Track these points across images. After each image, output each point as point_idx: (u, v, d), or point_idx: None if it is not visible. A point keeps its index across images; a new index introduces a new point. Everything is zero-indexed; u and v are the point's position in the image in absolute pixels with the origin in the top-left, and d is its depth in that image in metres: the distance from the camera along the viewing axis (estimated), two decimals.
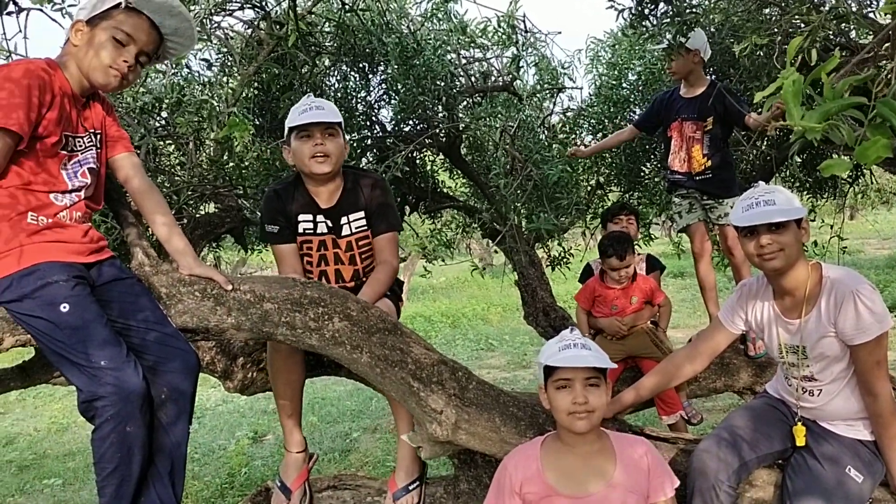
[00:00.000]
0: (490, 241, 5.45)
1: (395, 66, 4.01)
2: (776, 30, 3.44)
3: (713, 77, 4.31)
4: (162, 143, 3.86)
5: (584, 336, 3.66)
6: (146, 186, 2.12)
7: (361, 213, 2.67)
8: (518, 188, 3.95)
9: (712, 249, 4.02)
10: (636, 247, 3.87)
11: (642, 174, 5.60)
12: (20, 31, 2.44)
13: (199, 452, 6.28)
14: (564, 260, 5.21)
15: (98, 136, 2.05)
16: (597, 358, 2.04)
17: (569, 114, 5.37)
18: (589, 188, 5.70)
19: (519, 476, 2.05)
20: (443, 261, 5.54)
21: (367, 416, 7.10)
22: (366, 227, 2.69)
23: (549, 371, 2.08)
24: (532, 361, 9.19)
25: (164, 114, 3.61)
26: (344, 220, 2.66)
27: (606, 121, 5.25)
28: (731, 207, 3.71)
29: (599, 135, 5.29)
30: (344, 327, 2.13)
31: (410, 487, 2.57)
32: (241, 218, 3.84)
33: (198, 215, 3.75)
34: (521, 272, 4.54)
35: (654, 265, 3.97)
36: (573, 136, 5.28)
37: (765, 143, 4.78)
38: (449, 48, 4.43)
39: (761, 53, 3.98)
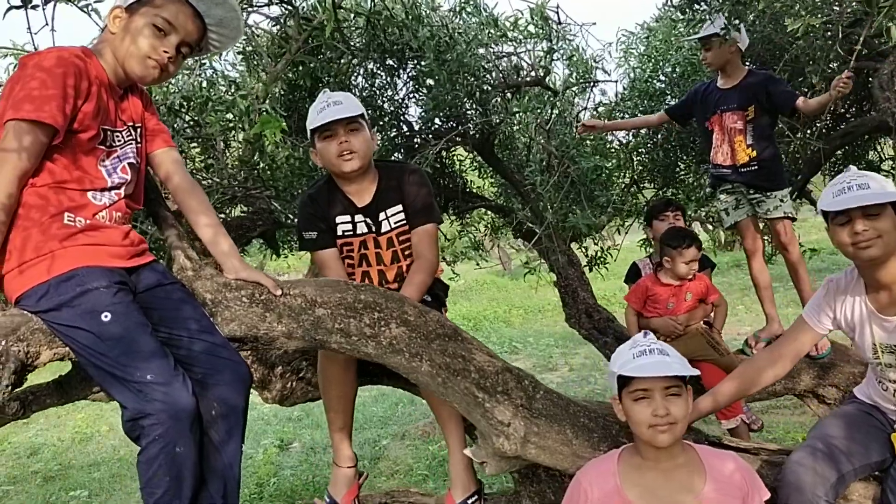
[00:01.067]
0: (525, 242, 5.29)
1: (430, 59, 3.86)
2: (821, 14, 3.29)
3: (754, 67, 4.14)
4: (190, 143, 3.74)
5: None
6: (189, 184, 1.96)
7: (399, 207, 2.53)
8: (554, 186, 3.78)
9: (764, 246, 3.83)
10: None
11: (678, 170, 5.43)
12: (46, 23, 2.29)
13: None
14: (602, 259, 5.03)
15: (138, 130, 1.89)
16: (678, 365, 1.87)
17: (600, 108, 5.21)
18: (623, 185, 5.53)
19: (595, 493, 1.88)
20: (477, 264, 5.38)
21: (393, 423, 6.96)
22: (405, 222, 2.54)
23: (623, 380, 1.91)
24: (558, 364, 9.00)
25: (191, 114, 3.49)
26: (382, 216, 2.52)
27: (640, 114, 5.09)
28: (781, 200, 3.53)
29: (633, 132, 5.14)
30: (402, 333, 1.96)
31: (469, 501, 2.41)
32: (272, 220, 3.70)
33: (228, 218, 3.61)
34: (560, 272, 4.36)
35: (703, 263, 3.79)
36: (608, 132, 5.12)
37: (813, 134, 4.59)
38: (479, 41, 4.28)
39: (812, 36, 3.80)
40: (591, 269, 4.99)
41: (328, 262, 2.52)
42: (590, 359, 8.62)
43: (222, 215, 3.77)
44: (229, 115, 3.20)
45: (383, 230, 2.53)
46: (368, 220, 2.52)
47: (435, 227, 2.57)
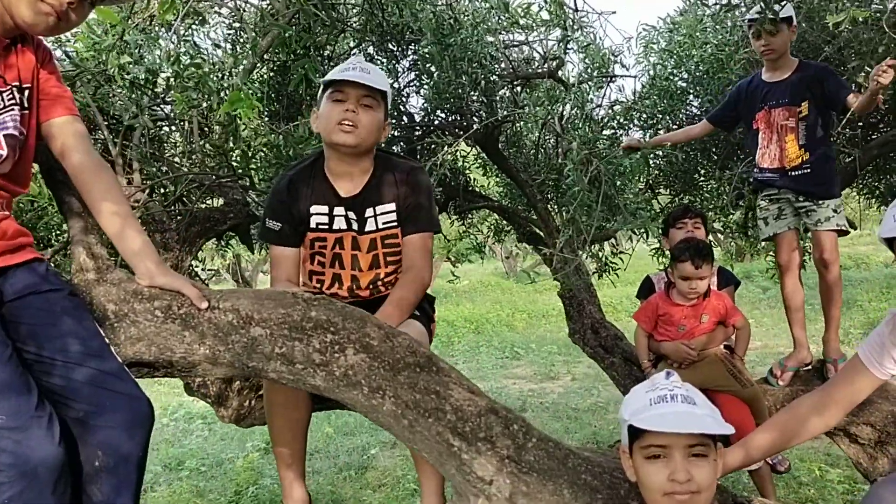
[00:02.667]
0: (533, 246, 4.93)
1: (431, 42, 3.49)
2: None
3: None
4: (161, 125, 3.39)
5: (646, 362, 3.15)
6: (92, 163, 1.56)
7: (392, 206, 2.18)
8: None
9: (801, 261, 3.40)
10: None
11: (697, 176, 5.05)
12: None
13: (206, 465, 5.86)
14: (613, 265, 4.64)
15: (26, 92, 1.50)
16: (709, 419, 1.47)
17: (616, 107, 4.84)
18: (637, 189, 5.14)
19: None
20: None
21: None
22: (395, 224, 2.19)
23: (635, 431, 1.52)
24: (560, 372, 8.65)
25: (160, 90, 3.14)
26: (370, 212, 2.17)
27: (660, 115, 4.71)
28: (834, 211, 3.11)
29: (651, 131, 4.75)
30: (360, 362, 1.56)
31: None
32: (246, 213, 3.32)
33: (195, 209, 3.23)
34: (567, 283, 3.96)
35: (727, 280, 3.40)
36: (622, 131, 4.77)
37: (849, 142, 4.17)
38: (487, 26, 3.92)
39: (857, 29, 3.40)
40: (600, 276, 4.62)
41: (282, 261, 2.20)
42: (593, 368, 8.24)
43: (205, 205, 3.44)
44: (194, 95, 2.82)
45: (367, 229, 2.18)
46: (350, 215, 2.18)
47: (431, 237, 2.23)
